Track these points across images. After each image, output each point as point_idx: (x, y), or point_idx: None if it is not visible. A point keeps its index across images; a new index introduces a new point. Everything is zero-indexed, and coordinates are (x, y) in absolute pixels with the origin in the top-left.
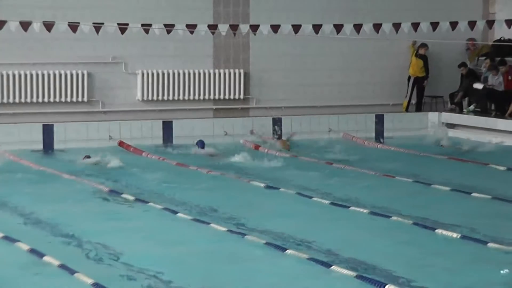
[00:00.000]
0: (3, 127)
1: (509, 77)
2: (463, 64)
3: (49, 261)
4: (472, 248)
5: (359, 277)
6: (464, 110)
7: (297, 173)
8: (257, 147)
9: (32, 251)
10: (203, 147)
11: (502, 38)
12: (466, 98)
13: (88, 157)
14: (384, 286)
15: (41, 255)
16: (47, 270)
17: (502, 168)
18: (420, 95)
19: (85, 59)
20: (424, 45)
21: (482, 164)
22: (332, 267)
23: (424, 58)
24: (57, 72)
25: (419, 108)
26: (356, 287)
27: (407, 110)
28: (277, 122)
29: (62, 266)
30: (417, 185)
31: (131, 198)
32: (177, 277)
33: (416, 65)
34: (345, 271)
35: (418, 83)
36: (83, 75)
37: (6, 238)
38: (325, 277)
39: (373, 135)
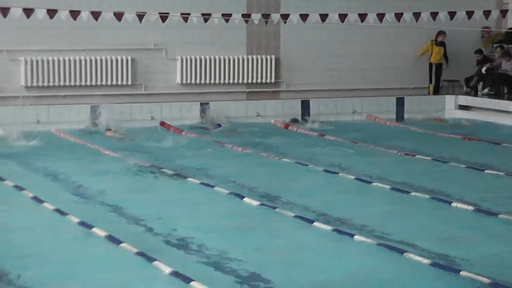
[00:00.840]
0: (55, 108)
1: None
2: (479, 51)
3: (97, 233)
4: (484, 219)
5: (380, 244)
6: (479, 93)
7: (325, 151)
8: (286, 126)
9: (82, 223)
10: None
11: None
12: (481, 82)
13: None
14: (403, 253)
15: (89, 226)
16: (95, 241)
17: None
18: (438, 80)
19: (129, 46)
20: (442, 32)
21: (494, 143)
22: (355, 237)
23: (443, 44)
24: (103, 58)
25: (436, 91)
26: (377, 254)
27: (434, 93)
28: (305, 104)
29: (109, 237)
30: (435, 163)
31: (171, 173)
32: (215, 245)
33: (438, 53)
34: (367, 240)
35: (437, 69)
36: (127, 60)
37: (57, 211)
38: (348, 245)
39: (394, 116)
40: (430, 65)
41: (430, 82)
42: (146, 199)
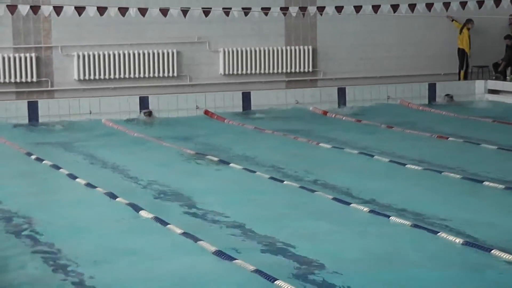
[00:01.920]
0: (106, 99)
1: None
2: (508, 36)
3: (144, 215)
4: None
5: (414, 225)
6: (508, 77)
7: (361, 135)
8: (325, 112)
9: (130, 204)
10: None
11: None
12: (509, 67)
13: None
14: (437, 233)
15: (138, 209)
16: (142, 223)
17: None
18: (467, 66)
19: (174, 40)
20: (470, 21)
21: None
22: (390, 218)
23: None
24: (150, 51)
25: (466, 77)
26: (413, 234)
27: (465, 78)
28: (341, 91)
29: (156, 219)
30: (467, 144)
31: (215, 159)
32: (258, 228)
33: (466, 39)
34: (402, 221)
35: (466, 55)
36: (172, 53)
37: (108, 194)
38: (384, 226)
39: (427, 101)
40: (461, 51)
41: (462, 67)
42: (192, 185)
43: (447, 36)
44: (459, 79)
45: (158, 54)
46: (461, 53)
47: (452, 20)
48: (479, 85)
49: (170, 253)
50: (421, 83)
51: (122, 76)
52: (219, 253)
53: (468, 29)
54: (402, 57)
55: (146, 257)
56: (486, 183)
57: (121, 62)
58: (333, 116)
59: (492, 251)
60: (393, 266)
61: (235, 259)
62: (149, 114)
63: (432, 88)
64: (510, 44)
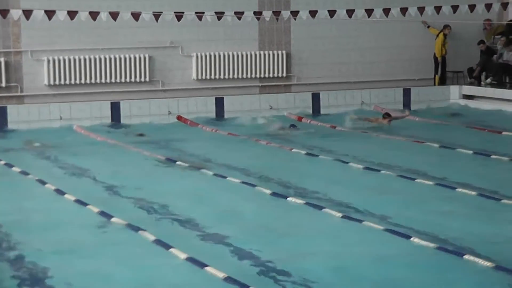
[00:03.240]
0: (77, 105)
1: None
2: (482, 41)
3: (116, 221)
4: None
5: (387, 230)
6: (482, 83)
7: (336, 141)
8: (300, 118)
9: (101, 213)
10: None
11: None
12: (484, 72)
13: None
14: (409, 238)
15: (109, 216)
16: (114, 229)
17: None
18: (444, 71)
19: (146, 44)
20: (448, 26)
21: (497, 132)
22: (363, 222)
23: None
24: (122, 56)
25: (443, 82)
26: (384, 239)
27: (441, 84)
28: (315, 96)
29: (128, 226)
30: (442, 150)
31: (186, 165)
32: (228, 232)
33: (439, 45)
34: (375, 225)
35: (443, 60)
36: (144, 58)
37: (78, 201)
38: (358, 231)
39: (401, 106)
40: (439, 57)
41: (436, 72)
42: (163, 190)
43: (422, 41)
44: (434, 84)
45: (130, 58)
46: (438, 59)
47: (428, 27)
48: (454, 91)
49: (141, 259)
50: (395, 88)
51: (93, 81)
52: (191, 260)
53: (445, 34)
54: (377, 62)
55: (117, 264)
56: (459, 189)
57: (92, 67)
58: (308, 121)
59: (465, 256)
60: (363, 270)
61: (207, 265)
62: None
63: (406, 93)
64: (484, 49)
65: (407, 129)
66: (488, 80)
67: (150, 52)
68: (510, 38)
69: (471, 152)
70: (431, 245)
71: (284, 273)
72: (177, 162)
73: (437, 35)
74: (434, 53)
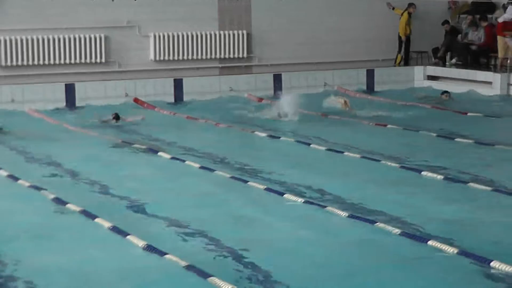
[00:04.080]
0: (30, 87)
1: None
2: (446, 22)
3: (72, 208)
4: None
5: (351, 216)
6: (447, 63)
7: (297, 123)
8: (260, 100)
9: (56, 199)
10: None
11: None
12: (449, 53)
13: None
14: (374, 223)
15: (64, 203)
16: (70, 216)
17: (479, 115)
18: (408, 51)
19: (103, 24)
20: (412, 4)
21: (461, 113)
22: (327, 208)
23: (411, 16)
24: (77, 36)
25: (407, 63)
26: (348, 224)
27: (405, 64)
28: (277, 78)
29: (84, 212)
30: (405, 131)
31: (142, 147)
32: (187, 218)
33: (402, 24)
34: (338, 211)
35: (407, 40)
36: (100, 38)
37: (33, 187)
38: (321, 217)
39: (365, 88)
40: (403, 36)
41: (399, 52)
42: (119, 174)
43: (386, 21)
44: (395, 63)
45: (85, 39)
46: (400, 38)
47: (393, 9)
48: (418, 71)
49: (97, 247)
50: (359, 69)
51: (47, 62)
52: (149, 248)
53: (410, 13)
54: (340, 43)
55: (72, 251)
56: (424, 173)
57: (46, 47)
58: (269, 103)
59: (429, 242)
60: (325, 256)
61: (166, 253)
62: (117, 117)
63: (370, 74)
64: (448, 29)
65: (370, 112)
66: (453, 60)
67: (106, 32)
68: (476, 18)
69: (434, 134)
70: (395, 230)
71: (244, 259)
72: (134, 145)
73: (402, 14)
74: (398, 33)
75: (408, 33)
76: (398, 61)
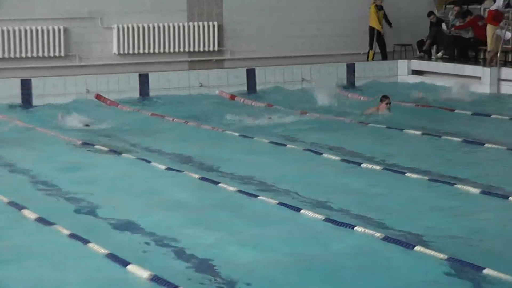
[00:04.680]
0: None
1: (479, 23)
2: (431, 13)
3: (27, 215)
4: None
5: (327, 219)
6: (433, 57)
7: (272, 122)
8: (232, 97)
9: (11, 203)
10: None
11: None
12: (435, 46)
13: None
14: (353, 227)
15: (20, 207)
16: (25, 222)
17: (468, 112)
18: (383, 45)
19: (62, 15)
20: None
21: (449, 110)
22: (301, 211)
23: (382, 8)
24: (33, 28)
25: (385, 58)
26: (326, 228)
27: (384, 58)
28: (251, 73)
29: (39, 219)
30: (389, 131)
31: (105, 149)
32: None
33: (381, 17)
34: (314, 214)
35: (379, 35)
36: (59, 30)
37: None
38: (294, 221)
39: (345, 83)
40: (372, 29)
41: (371, 47)
42: (79, 176)
43: (367, 12)
44: (367, 59)
45: (43, 31)
46: (371, 32)
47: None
48: (402, 66)
49: (55, 256)
50: (338, 64)
51: (1, 55)
52: (112, 256)
53: (377, 5)
54: (318, 36)
55: (29, 259)
56: (408, 174)
57: (1, 40)
58: (242, 100)
59: (416, 248)
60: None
61: (129, 263)
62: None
63: (350, 69)
64: (434, 21)
65: (352, 109)
66: (439, 54)
67: (66, 24)
68: (463, 8)
69: (419, 132)
70: (377, 234)
71: (214, 267)
72: (96, 146)
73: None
74: (369, 26)
75: (379, 27)
76: (370, 57)
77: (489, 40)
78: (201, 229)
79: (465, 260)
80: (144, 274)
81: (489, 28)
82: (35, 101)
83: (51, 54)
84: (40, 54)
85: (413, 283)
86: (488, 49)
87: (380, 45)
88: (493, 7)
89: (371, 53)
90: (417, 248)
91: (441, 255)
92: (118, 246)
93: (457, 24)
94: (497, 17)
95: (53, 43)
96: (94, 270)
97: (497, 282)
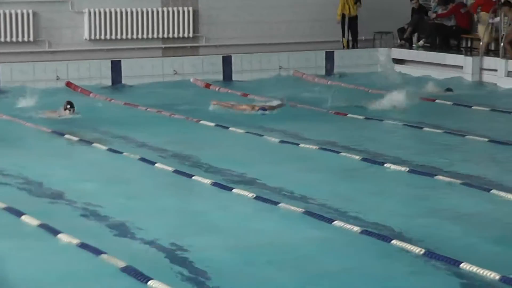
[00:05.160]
0: None
1: (462, 11)
2: None
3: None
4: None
5: (306, 212)
6: (414, 45)
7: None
8: (207, 85)
9: None
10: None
11: None
12: (416, 33)
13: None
14: (332, 222)
15: None
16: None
17: (449, 103)
18: (355, 33)
19: None
20: None
21: (431, 100)
22: (279, 205)
23: None
24: (1, 12)
25: (355, 46)
26: (304, 222)
27: (348, 47)
28: (226, 60)
29: (8, 209)
30: (368, 121)
31: (75, 139)
32: (125, 215)
33: (352, 4)
34: (291, 207)
35: (353, 22)
36: (28, 14)
37: None
38: (271, 214)
39: (324, 72)
40: (343, 16)
41: (343, 35)
42: (49, 168)
43: None
44: (343, 47)
45: (11, 15)
46: (342, 19)
47: None
48: (383, 53)
49: (25, 246)
50: (317, 51)
51: None
52: (84, 246)
53: None
54: (296, 22)
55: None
56: (387, 164)
57: None
58: (217, 89)
59: (393, 242)
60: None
61: (103, 252)
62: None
63: (329, 57)
64: (417, 7)
65: (330, 99)
66: (421, 42)
67: (35, 8)
68: None
69: (400, 123)
70: (355, 228)
71: (185, 259)
72: (65, 136)
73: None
74: (342, 13)
75: (350, 13)
76: (345, 44)
77: (481, 29)
78: (172, 220)
79: (443, 254)
80: (118, 263)
81: (483, 15)
82: (3, 87)
83: (20, 39)
84: (8, 39)
85: (391, 277)
86: (484, 40)
87: (352, 32)
88: None
89: (344, 40)
90: (394, 242)
91: (418, 249)
92: (90, 235)
93: (440, 11)
94: (487, 4)
95: (22, 27)
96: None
97: (472, 276)
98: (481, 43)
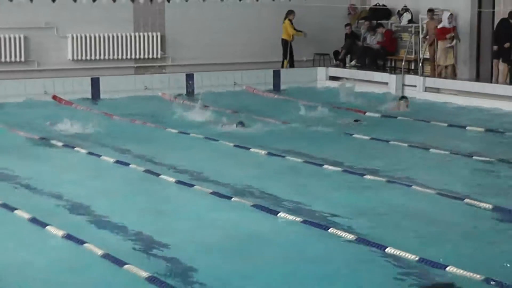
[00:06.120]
0: None
1: (392, 36)
2: (348, 24)
3: None
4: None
5: (256, 205)
6: (347, 65)
7: (207, 120)
8: (174, 99)
9: None
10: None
11: (377, 4)
12: (349, 55)
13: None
14: (277, 213)
15: None
16: None
17: (377, 115)
18: (292, 55)
19: (22, 25)
20: (292, 12)
21: (362, 113)
22: (232, 199)
23: (292, 23)
24: None
25: (292, 66)
26: (252, 215)
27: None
28: (189, 77)
29: (3, 205)
30: (309, 129)
31: (59, 144)
32: (101, 210)
33: (289, 30)
34: (243, 200)
35: (291, 45)
36: (20, 38)
37: None
38: (229, 209)
39: (272, 87)
40: (285, 41)
41: (285, 57)
42: (37, 168)
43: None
44: (282, 67)
45: (5, 39)
46: (284, 43)
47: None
48: (321, 72)
49: (15, 239)
50: (266, 70)
51: None
52: (68, 237)
53: (290, 20)
54: (249, 44)
55: None
56: (325, 166)
57: None
58: (182, 102)
59: (330, 230)
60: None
61: (85, 242)
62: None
63: (276, 75)
64: (349, 32)
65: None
66: (353, 62)
67: (26, 33)
68: (373, 23)
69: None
70: (297, 219)
71: (160, 251)
72: (51, 141)
73: (283, 21)
74: (282, 38)
75: (291, 39)
76: (285, 66)
77: (440, 54)
78: (144, 215)
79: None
80: (98, 251)
81: (440, 44)
82: None
83: (12, 60)
84: (2, 60)
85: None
86: (440, 63)
87: (290, 54)
88: (440, 26)
89: (285, 62)
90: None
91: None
92: (72, 227)
93: (368, 37)
94: (443, 33)
95: (14, 49)
96: (50, 250)
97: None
98: (436, 67)
